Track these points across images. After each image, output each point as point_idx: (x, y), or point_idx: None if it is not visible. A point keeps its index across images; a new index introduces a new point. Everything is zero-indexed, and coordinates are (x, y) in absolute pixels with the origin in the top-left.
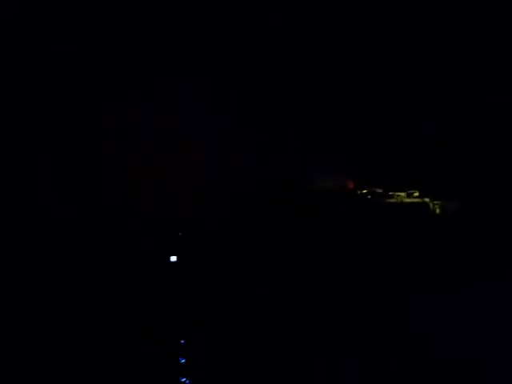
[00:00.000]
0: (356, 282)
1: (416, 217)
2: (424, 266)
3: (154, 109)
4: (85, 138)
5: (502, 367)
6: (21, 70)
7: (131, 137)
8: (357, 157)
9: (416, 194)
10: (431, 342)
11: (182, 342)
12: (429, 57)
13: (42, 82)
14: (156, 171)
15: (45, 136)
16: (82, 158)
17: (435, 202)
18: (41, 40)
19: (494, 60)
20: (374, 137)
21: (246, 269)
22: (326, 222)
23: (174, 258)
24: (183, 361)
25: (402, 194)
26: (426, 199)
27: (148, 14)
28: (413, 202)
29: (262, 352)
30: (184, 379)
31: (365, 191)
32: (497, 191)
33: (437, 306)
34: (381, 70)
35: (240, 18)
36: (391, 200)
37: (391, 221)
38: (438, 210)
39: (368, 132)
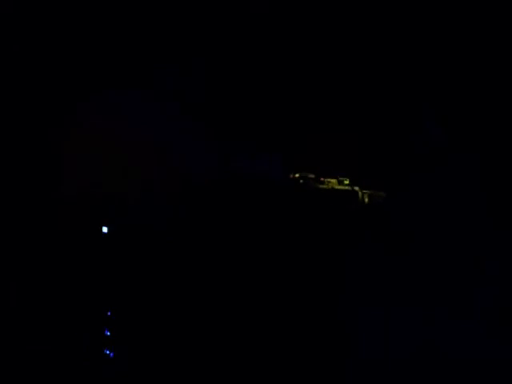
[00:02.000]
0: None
1: (345, 204)
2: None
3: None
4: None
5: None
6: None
7: None
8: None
9: (346, 181)
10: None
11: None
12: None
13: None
14: None
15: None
16: None
17: (364, 191)
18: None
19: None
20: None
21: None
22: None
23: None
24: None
25: (333, 180)
26: (356, 188)
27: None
28: (343, 190)
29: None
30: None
31: (297, 176)
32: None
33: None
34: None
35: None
36: (322, 186)
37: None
38: (366, 200)
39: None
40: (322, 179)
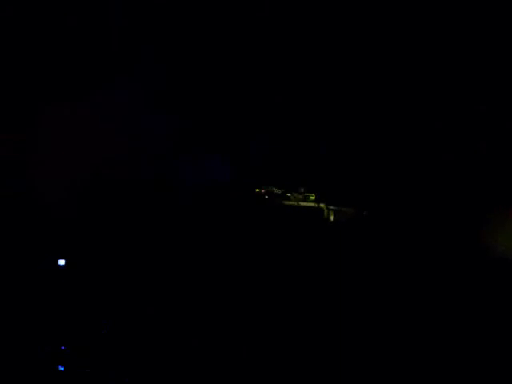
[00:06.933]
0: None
1: (310, 221)
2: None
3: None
4: None
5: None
6: None
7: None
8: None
9: (312, 197)
10: None
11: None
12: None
13: None
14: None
15: None
16: None
17: (330, 208)
18: None
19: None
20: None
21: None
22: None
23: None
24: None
25: (300, 196)
26: (322, 204)
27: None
28: (308, 206)
29: None
30: None
31: (263, 191)
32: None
33: None
34: None
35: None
36: (288, 202)
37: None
38: (331, 217)
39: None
40: (287, 194)
